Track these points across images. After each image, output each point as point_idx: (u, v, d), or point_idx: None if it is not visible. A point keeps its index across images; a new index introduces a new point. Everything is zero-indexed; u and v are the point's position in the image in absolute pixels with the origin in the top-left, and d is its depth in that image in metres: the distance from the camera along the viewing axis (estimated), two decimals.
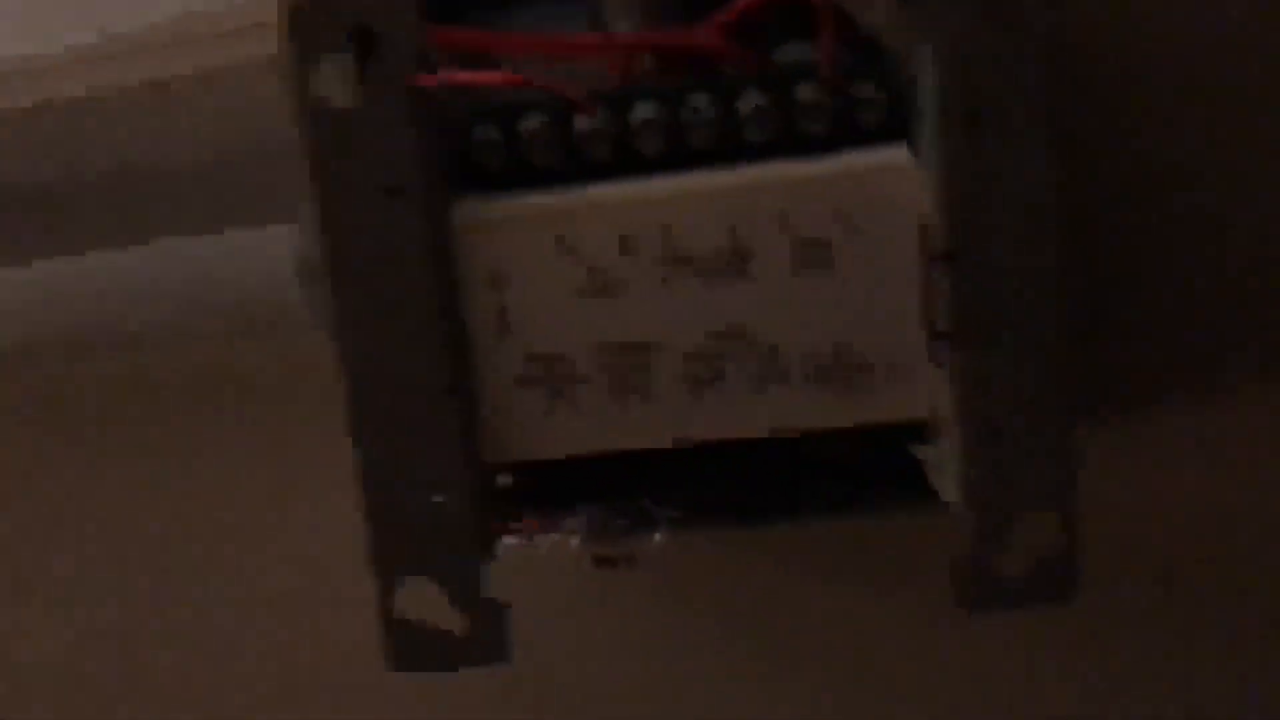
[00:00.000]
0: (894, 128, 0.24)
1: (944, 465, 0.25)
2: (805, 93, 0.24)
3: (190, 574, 0.33)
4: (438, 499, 0.24)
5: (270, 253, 0.28)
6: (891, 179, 0.23)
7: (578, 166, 0.25)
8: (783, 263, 0.24)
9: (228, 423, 0.31)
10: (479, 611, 0.24)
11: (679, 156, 0.24)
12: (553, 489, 0.27)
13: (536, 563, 0.27)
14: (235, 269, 0.28)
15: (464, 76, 0.24)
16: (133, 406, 0.32)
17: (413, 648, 0.24)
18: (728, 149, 0.24)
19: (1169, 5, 0.29)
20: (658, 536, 0.26)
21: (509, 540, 0.26)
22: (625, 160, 0.25)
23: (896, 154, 0.23)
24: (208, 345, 0.31)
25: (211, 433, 0.31)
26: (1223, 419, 0.31)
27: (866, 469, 0.27)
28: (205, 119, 0.29)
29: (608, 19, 0.27)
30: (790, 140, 0.24)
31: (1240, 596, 0.31)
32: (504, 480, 0.27)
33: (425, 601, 0.24)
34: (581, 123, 0.24)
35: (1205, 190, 0.30)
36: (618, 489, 0.27)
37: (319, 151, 0.23)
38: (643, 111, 0.24)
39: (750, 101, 0.24)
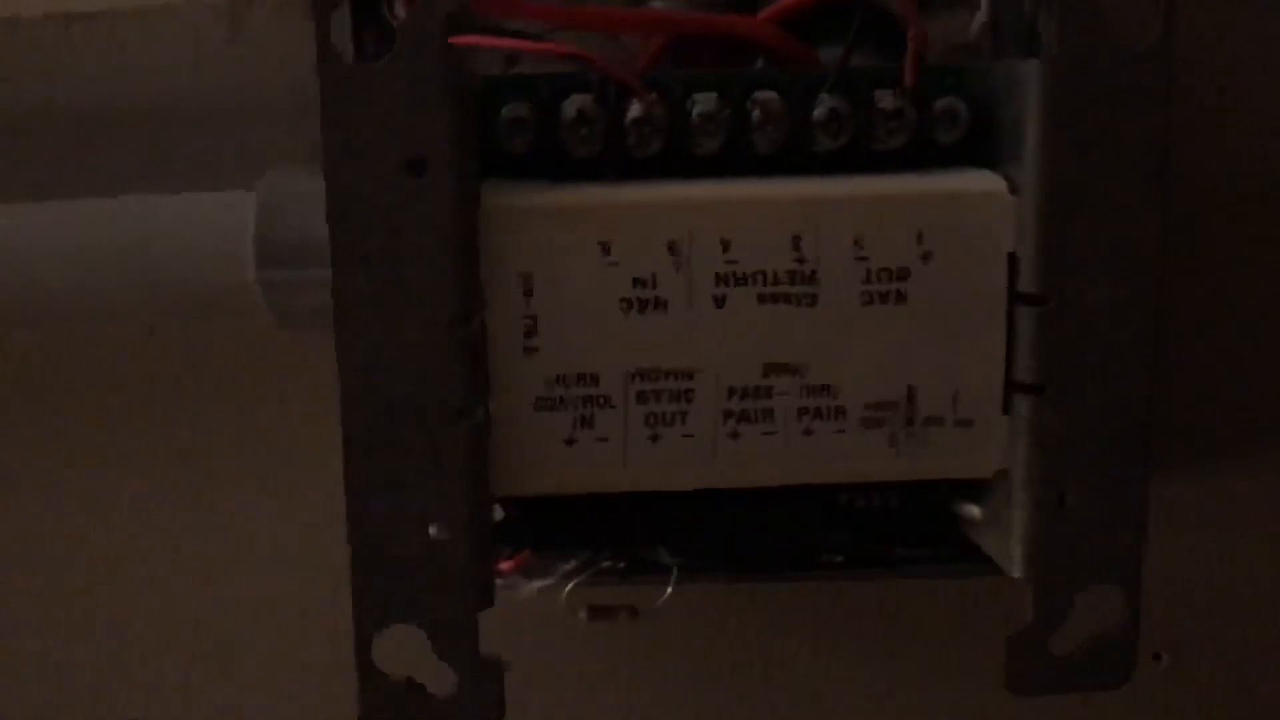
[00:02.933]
0: (970, 149, 0.22)
1: (1000, 529, 0.22)
2: (886, 101, 0.21)
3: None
4: (436, 534, 0.20)
5: (224, 223, 0.24)
6: (983, 206, 0.21)
7: (619, 162, 0.21)
8: (853, 291, 0.21)
9: (153, 418, 0.27)
10: (471, 669, 0.21)
11: (735, 161, 0.22)
12: (542, 525, 0.24)
13: (515, 609, 0.23)
14: (177, 237, 0.24)
15: (506, 42, 0.21)
16: (37, 390, 0.26)
17: (391, 703, 0.21)
18: (790, 156, 0.22)
19: None
20: (670, 587, 0.23)
21: None
22: (673, 161, 0.21)
23: (989, 179, 0.21)
24: (132, 324, 0.26)
25: (131, 428, 0.26)
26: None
27: (891, 518, 0.24)
28: (151, 57, 0.25)
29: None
30: (859, 153, 0.22)
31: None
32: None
33: (410, 652, 0.21)
34: (632, 110, 0.21)
35: None
36: (614, 530, 0.24)
37: (333, 113, 0.19)
38: (703, 104, 0.21)
39: (825, 105, 0.21)
